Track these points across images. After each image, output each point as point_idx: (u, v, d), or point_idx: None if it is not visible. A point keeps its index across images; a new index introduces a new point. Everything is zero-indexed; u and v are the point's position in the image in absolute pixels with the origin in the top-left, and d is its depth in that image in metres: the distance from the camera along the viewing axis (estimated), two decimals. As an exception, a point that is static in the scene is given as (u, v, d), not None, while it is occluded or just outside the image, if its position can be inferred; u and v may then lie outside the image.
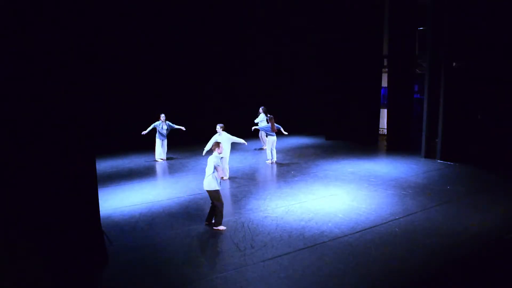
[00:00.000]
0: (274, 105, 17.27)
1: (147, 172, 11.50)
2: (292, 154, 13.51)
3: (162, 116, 12.65)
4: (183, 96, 15.86)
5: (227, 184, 10.07)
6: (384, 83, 15.65)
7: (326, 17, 16.65)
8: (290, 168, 11.65)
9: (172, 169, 11.96)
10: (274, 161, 12.24)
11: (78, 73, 5.50)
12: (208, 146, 9.78)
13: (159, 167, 12.15)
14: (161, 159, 12.82)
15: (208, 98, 16.43)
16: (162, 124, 12.58)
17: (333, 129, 16.54)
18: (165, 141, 12.84)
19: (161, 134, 12.63)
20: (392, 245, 6.37)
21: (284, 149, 14.13)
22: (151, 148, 13.00)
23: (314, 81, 17.80)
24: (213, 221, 7.16)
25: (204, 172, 7.24)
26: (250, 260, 5.90)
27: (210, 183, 7.01)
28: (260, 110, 14.20)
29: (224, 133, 10.22)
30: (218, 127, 10.16)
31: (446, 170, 11.21)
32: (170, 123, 12.73)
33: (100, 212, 6.23)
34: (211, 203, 7.22)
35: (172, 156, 13.46)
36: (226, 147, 10.03)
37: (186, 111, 15.26)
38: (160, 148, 12.79)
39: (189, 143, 14.09)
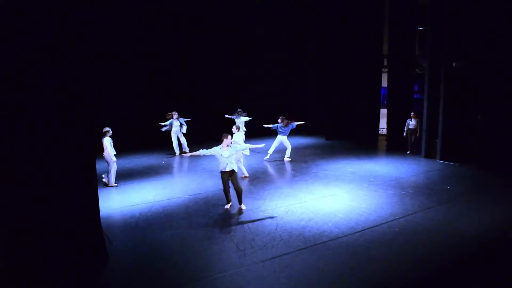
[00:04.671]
0: (274, 105, 17.32)
1: (147, 172, 11.49)
2: (292, 154, 13.50)
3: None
4: (182, 97, 15.85)
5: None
6: (384, 83, 15.66)
7: (326, 17, 16.66)
8: (290, 168, 11.64)
9: (172, 169, 11.97)
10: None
11: (78, 73, 5.49)
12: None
13: (159, 167, 12.13)
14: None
15: (208, 98, 16.43)
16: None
17: (333, 129, 16.55)
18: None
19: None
20: (392, 245, 6.37)
21: (284, 149, 14.10)
22: (149, 148, 13.04)
23: (314, 81, 17.82)
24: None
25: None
26: (250, 260, 5.90)
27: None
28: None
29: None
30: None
31: (446, 170, 11.21)
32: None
33: (100, 212, 6.23)
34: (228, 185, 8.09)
35: (172, 156, 13.48)
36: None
37: (185, 111, 15.26)
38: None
39: (189, 144, 14.07)
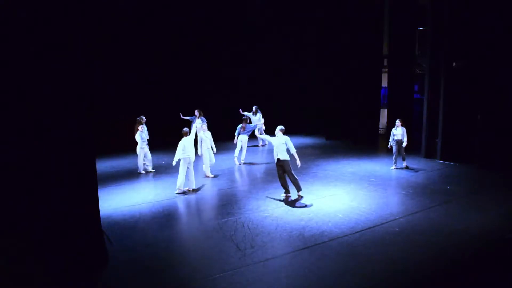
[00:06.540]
0: (274, 105, 17.31)
1: (147, 172, 11.48)
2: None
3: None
4: (182, 96, 15.86)
5: (227, 184, 10.06)
6: (384, 83, 15.66)
7: (326, 17, 16.66)
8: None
9: (172, 169, 11.94)
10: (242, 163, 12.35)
11: (78, 73, 5.49)
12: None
13: (159, 167, 12.13)
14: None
15: (208, 97, 16.43)
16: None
17: (333, 129, 16.55)
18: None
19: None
20: (392, 245, 6.37)
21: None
22: (150, 148, 12.96)
23: (314, 81, 17.82)
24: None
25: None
26: (250, 260, 5.90)
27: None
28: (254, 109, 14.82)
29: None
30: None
31: (446, 170, 11.21)
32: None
33: (100, 212, 6.23)
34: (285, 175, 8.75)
35: (171, 156, 13.45)
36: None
37: (184, 112, 15.29)
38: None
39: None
